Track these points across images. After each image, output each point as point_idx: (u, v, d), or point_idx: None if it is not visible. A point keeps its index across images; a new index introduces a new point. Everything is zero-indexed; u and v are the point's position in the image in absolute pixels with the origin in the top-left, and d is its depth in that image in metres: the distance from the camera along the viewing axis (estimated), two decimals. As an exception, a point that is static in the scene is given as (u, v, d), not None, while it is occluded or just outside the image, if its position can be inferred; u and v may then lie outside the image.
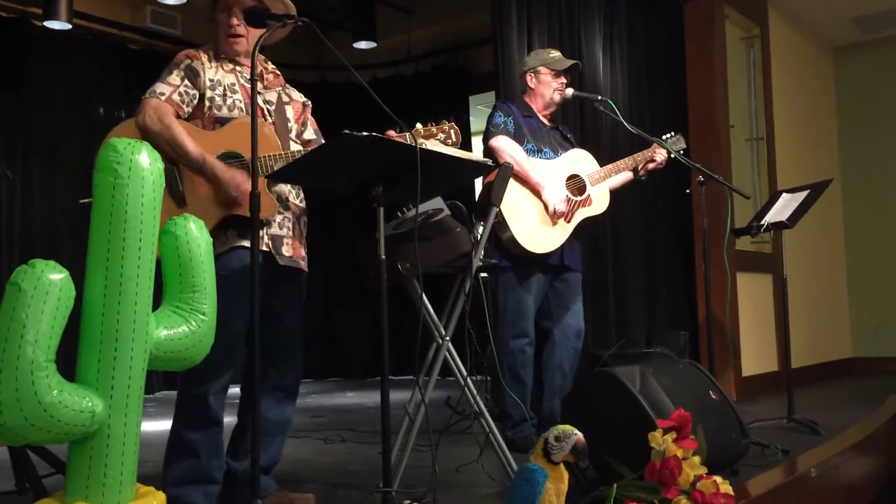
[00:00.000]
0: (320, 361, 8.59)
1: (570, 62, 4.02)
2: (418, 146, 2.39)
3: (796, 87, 7.06)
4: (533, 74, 4.03)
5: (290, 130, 2.84)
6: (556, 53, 4.06)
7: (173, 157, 2.58)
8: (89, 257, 1.71)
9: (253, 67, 2.42)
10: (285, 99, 2.88)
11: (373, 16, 7.73)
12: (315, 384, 8.11)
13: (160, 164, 1.79)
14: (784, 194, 4.51)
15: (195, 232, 1.90)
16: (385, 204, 2.48)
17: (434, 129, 2.72)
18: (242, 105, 2.72)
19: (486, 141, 3.85)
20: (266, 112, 2.77)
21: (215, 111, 2.69)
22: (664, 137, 4.01)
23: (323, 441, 4.22)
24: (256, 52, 2.42)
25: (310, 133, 2.95)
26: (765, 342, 6.13)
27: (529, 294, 3.84)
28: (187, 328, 1.85)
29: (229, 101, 2.71)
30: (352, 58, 7.80)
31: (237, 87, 2.74)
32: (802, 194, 4.38)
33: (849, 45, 7.74)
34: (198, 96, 2.69)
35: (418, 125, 2.74)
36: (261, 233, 2.66)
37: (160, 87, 2.66)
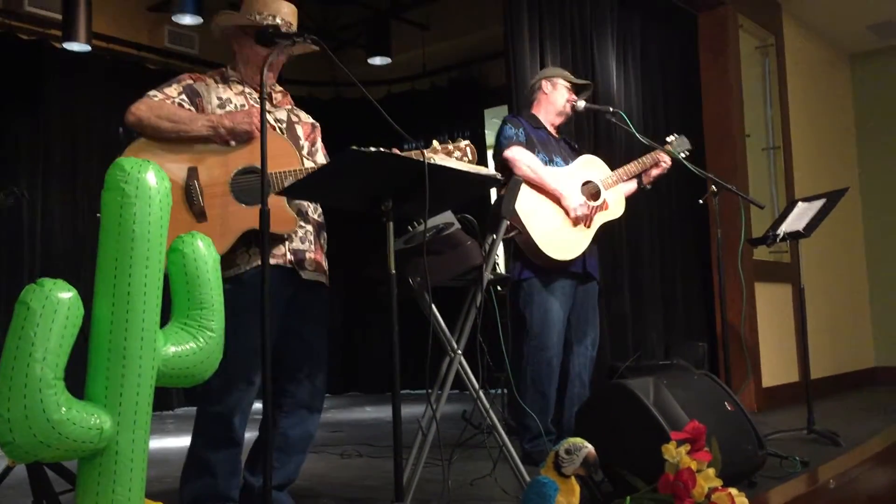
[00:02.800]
0: (339, 376, 8.61)
1: (586, 81, 4.08)
2: (426, 161, 2.40)
3: (813, 96, 7.02)
4: (550, 82, 4.05)
5: (303, 148, 2.86)
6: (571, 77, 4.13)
7: (177, 134, 2.59)
8: (97, 275, 1.73)
9: (262, 84, 2.44)
10: (294, 119, 2.90)
11: (387, 32, 7.78)
12: (334, 399, 8.12)
13: (167, 183, 1.81)
14: (800, 203, 4.47)
15: (203, 249, 1.92)
16: (395, 218, 2.49)
17: (451, 147, 2.73)
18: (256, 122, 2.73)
19: (499, 153, 3.86)
20: (278, 129, 2.79)
21: None
22: (668, 140, 4.03)
23: (340, 456, 4.22)
24: (266, 70, 2.44)
25: (320, 157, 2.95)
26: (785, 352, 6.08)
27: (556, 303, 3.82)
28: (195, 345, 1.86)
29: None
30: (367, 74, 7.86)
31: (247, 107, 2.75)
32: (819, 203, 4.35)
33: (866, 53, 7.69)
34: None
35: (435, 142, 2.75)
36: (283, 248, 2.68)
37: (153, 92, 2.69)
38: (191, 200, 2.58)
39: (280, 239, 2.68)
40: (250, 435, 2.73)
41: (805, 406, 4.25)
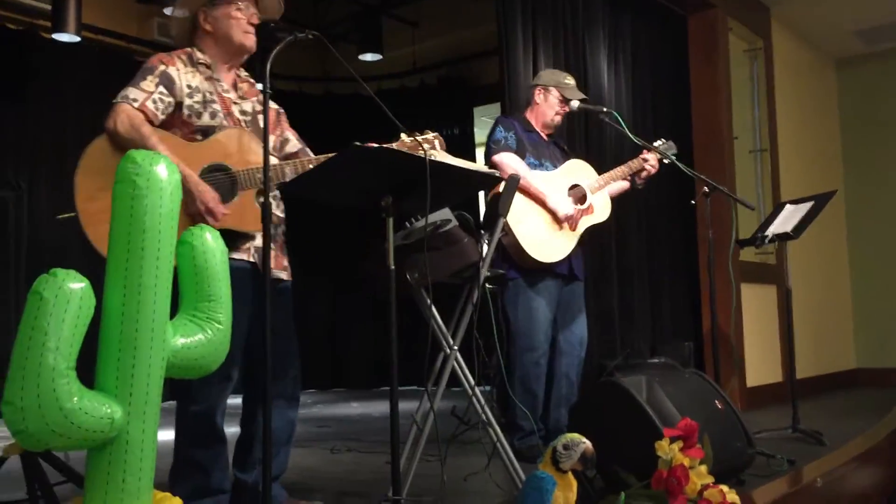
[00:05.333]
0: (325, 372, 8.61)
1: (581, 95, 4.08)
2: (427, 158, 2.42)
3: (800, 99, 7.09)
4: (544, 91, 4.06)
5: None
6: (571, 80, 4.10)
7: None
8: (108, 267, 1.74)
9: (265, 81, 2.43)
10: (259, 109, 2.82)
11: (378, 28, 7.78)
12: (320, 394, 8.13)
13: (177, 176, 1.82)
14: (788, 205, 4.53)
15: (211, 242, 1.93)
16: (394, 215, 2.50)
17: (420, 140, 2.72)
18: (222, 114, 2.68)
19: (487, 157, 3.88)
20: (244, 123, 2.74)
21: (195, 119, 2.63)
22: (656, 144, 4.06)
23: (330, 451, 4.23)
24: (269, 66, 2.44)
25: (293, 145, 2.89)
26: (769, 353, 6.15)
27: (542, 303, 3.85)
28: (203, 336, 1.88)
29: (210, 108, 2.66)
30: (357, 70, 7.80)
31: (215, 96, 2.70)
32: (806, 205, 4.41)
33: (852, 57, 7.77)
34: (173, 104, 2.62)
35: (403, 136, 2.75)
36: (247, 245, 2.66)
37: (133, 93, 2.58)
38: None
39: (246, 236, 2.65)
40: (231, 430, 2.72)
41: (788, 406, 4.31)
